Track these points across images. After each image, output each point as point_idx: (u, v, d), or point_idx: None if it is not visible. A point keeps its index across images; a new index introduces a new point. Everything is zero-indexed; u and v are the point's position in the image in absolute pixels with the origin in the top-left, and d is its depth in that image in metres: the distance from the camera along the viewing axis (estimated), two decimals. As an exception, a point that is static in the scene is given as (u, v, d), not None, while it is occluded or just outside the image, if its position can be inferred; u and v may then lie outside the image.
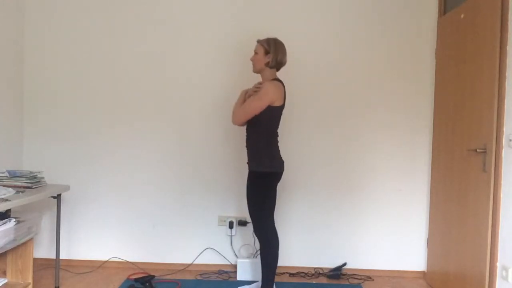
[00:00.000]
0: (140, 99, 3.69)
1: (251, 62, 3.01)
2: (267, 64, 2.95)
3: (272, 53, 2.93)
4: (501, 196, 2.62)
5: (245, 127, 3.06)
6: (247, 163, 3.02)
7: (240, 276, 3.51)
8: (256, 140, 2.96)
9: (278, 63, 2.96)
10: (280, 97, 2.90)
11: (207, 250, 3.72)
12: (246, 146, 3.04)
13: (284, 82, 2.99)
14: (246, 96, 3.02)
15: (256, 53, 2.98)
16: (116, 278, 3.48)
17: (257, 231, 2.98)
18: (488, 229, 2.68)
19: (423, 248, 3.66)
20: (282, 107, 2.94)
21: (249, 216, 3.64)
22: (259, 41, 3.00)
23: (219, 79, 3.67)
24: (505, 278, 2.58)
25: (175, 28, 3.67)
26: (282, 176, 3.49)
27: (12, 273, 2.97)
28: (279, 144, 3.03)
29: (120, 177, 3.71)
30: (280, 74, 3.04)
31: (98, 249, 3.73)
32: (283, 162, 3.00)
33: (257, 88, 2.94)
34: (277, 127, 3.00)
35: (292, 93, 3.62)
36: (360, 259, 3.68)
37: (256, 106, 2.85)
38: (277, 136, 3.01)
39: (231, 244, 3.71)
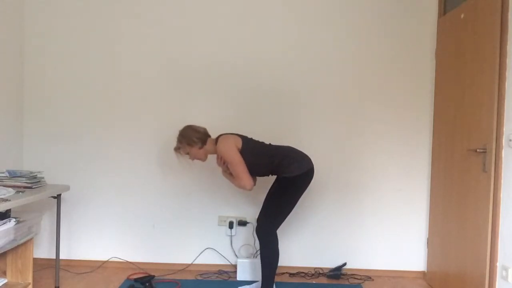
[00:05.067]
0: (140, 99, 3.69)
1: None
2: (201, 148, 3.02)
3: (192, 141, 2.99)
4: (501, 196, 2.62)
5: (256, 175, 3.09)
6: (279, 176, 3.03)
7: (240, 276, 3.51)
8: (273, 166, 2.98)
9: (202, 138, 3.03)
10: (234, 139, 2.95)
11: (207, 250, 3.72)
12: (276, 174, 3.05)
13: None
14: (228, 171, 3.06)
15: (188, 154, 3.06)
16: (116, 278, 3.48)
17: (262, 232, 2.97)
18: (488, 229, 2.68)
19: (423, 248, 3.66)
20: (245, 140, 2.99)
21: (249, 216, 3.67)
22: (177, 149, 3.07)
23: (217, 80, 3.67)
24: (505, 278, 2.58)
25: (173, 30, 3.67)
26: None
27: (12, 273, 2.97)
28: (281, 143, 3.03)
29: (120, 177, 3.71)
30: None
31: (98, 249, 3.73)
32: (309, 158, 3.01)
33: (222, 160, 3.00)
34: (264, 145, 3.06)
35: (292, 93, 3.63)
36: (360, 259, 3.68)
37: (237, 163, 2.89)
38: (275, 145, 3.07)
39: (231, 244, 3.71)
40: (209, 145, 3.05)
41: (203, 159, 3.10)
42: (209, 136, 3.09)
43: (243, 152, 2.93)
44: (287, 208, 2.97)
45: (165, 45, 3.68)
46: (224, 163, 3.02)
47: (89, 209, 3.73)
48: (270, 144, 3.10)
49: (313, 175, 3.00)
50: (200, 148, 3.03)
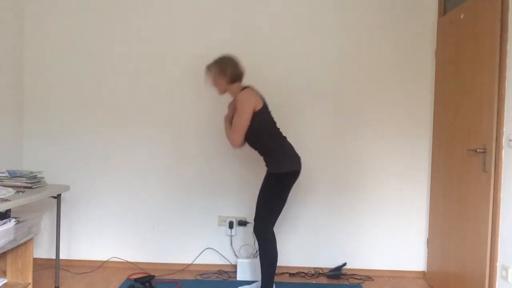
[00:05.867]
0: (140, 99, 3.69)
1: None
2: (226, 82, 2.97)
3: (224, 71, 2.94)
4: (501, 196, 2.63)
5: (248, 145, 3.06)
6: (266, 165, 3.02)
7: (240, 276, 3.51)
8: (265, 147, 2.98)
9: (235, 76, 2.97)
10: (257, 100, 2.90)
11: (207, 250, 3.72)
12: (261, 155, 3.05)
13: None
14: (230, 119, 3.03)
15: (213, 78, 3.00)
16: (116, 278, 3.48)
17: (259, 230, 2.98)
18: (488, 229, 2.69)
19: (423, 248, 3.66)
20: (265, 107, 2.95)
21: (249, 216, 3.67)
22: (209, 66, 3.01)
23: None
24: (505, 278, 2.58)
25: (173, 29, 3.67)
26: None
27: (12, 273, 2.97)
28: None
29: (120, 177, 3.71)
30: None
31: (98, 249, 3.73)
32: (299, 158, 3.01)
33: (233, 106, 2.97)
34: (274, 125, 3.01)
35: (292, 93, 3.63)
36: (360, 259, 3.68)
37: (242, 119, 2.86)
38: (282, 133, 3.02)
39: (231, 244, 3.71)
40: (234, 87, 2.99)
41: (221, 92, 3.04)
42: (241, 80, 3.02)
43: (256, 115, 2.89)
44: (277, 205, 2.96)
45: (166, 46, 3.67)
46: (234, 109, 2.97)
47: (89, 209, 3.73)
48: (279, 129, 3.05)
49: (299, 175, 2.99)
50: (226, 82, 2.97)
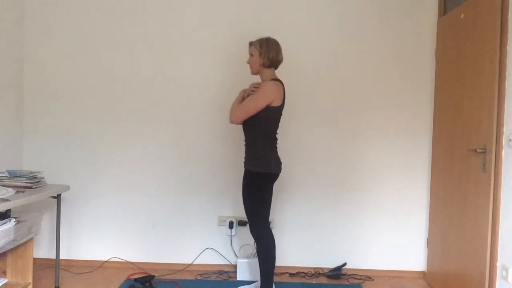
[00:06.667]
0: (139, 100, 3.69)
1: (245, 65, 3.00)
2: (263, 65, 2.94)
3: (266, 54, 2.91)
4: (501, 196, 2.62)
5: (242, 127, 3.04)
6: (244, 162, 3.02)
7: (240, 276, 3.51)
8: (254, 140, 2.96)
9: (273, 62, 2.95)
10: (279, 97, 2.88)
11: (207, 250, 3.72)
12: (245, 146, 3.04)
13: (283, 82, 2.99)
14: (245, 95, 3.02)
15: (251, 55, 2.97)
16: (116, 278, 3.48)
17: (253, 230, 2.98)
18: (488, 229, 2.68)
19: (423, 248, 3.66)
20: (281, 107, 2.93)
21: (249, 216, 3.66)
22: (252, 43, 2.98)
23: (217, 79, 3.67)
24: (505, 278, 2.58)
25: (174, 29, 3.67)
26: (283, 176, 3.50)
27: (12, 273, 2.97)
28: (278, 144, 3.03)
29: (120, 177, 3.71)
30: (280, 73, 3.04)
31: (98, 249, 3.73)
32: (280, 163, 2.99)
33: (255, 88, 2.94)
34: (276, 128, 2.98)
35: (291, 92, 3.63)
36: (360, 259, 3.68)
37: (255, 104, 2.85)
38: (276, 139, 3.00)
39: (231, 244, 3.71)
40: (267, 71, 2.96)
41: (253, 71, 3.00)
42: (276, 68, 2.99)
43: (268, 109, 2.85)
44: (259, 204, 2.94)
45: (166, 46, 3.67)
46: (253, 90, 2.95)
47: (89, 209, 3.73)
48: (277, 134, 3.02)
49: (273, 182, 2.97)
50: (262, 65, 2.93)
